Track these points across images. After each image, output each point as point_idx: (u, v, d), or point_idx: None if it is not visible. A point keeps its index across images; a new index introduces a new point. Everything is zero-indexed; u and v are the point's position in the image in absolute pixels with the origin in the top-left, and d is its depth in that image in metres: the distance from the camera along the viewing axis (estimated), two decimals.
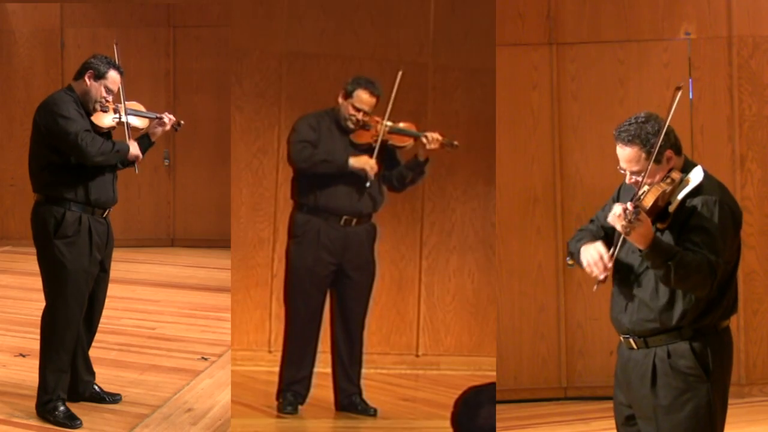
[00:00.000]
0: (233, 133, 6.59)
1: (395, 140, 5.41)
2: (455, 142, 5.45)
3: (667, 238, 3.47)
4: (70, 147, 4.70)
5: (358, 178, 5.35)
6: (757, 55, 6.45)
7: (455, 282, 7.02)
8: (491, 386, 2.91)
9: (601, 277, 3.51)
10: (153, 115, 5.06)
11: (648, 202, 3.43)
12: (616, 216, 3.38)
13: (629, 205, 3.35)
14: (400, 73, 5.36)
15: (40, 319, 4.86)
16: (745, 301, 6.38)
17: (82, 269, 4.79)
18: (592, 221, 3.79)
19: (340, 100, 5.42)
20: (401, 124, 5.42)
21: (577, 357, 6.53)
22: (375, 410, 5.50)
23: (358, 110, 5.35)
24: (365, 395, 5.54)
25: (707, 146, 6.40)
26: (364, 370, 5.58)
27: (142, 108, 5.09)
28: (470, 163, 6.84)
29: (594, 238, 3.64)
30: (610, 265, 3.50)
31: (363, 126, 5.38)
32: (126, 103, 4.95)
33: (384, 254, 6.69)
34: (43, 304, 4.87)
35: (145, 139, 5.05)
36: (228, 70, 7.00)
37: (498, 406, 2.86)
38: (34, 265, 4.88)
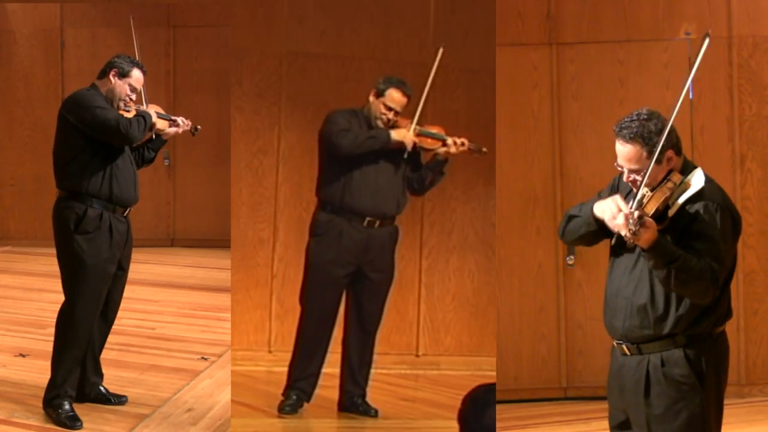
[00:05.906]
0: (233, 133, 6.59)
1: (425, 143, 5.34)
2: (484, 149, 5.42)
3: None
4: (113, 134, 4.74)
5: (383, 178, 5.32)
6: (757, 55, 6.45)
7: (455, 282, 7.02)
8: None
9: (628, 226, 3.22)
10: (170, 118, 5.13)
11: (650, 208, 3.34)
12: (619, 223, 3.27)
13: (634, 213, 3.23)
14: (441, 51, 5.35)
15: (41, 318, 4.87)
16: (745, 301, 6.38)
17: (100, 266, 4.82)
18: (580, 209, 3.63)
19: (371, 98, 5.36)
20: (431, 128, 5.38)
21: (577, 357, 6.53)
22: (376, 411, 5.49)
23: (390, 109, 5.31)
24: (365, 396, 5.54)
25: (707, 146, 6.40)
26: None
27: (161, 110, 5.14)
28: (470, 163, 6.82)
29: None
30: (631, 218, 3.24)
31: (393, 127, 5.33)
32: (148, 105, 5.05)
33: None
34: (43, 304, 4.88)
35: (157, 139, 5.17)
36: (228, 70, 6.99)
37: (498, 406, 2.86)
38: (34, 265, 4.88)
